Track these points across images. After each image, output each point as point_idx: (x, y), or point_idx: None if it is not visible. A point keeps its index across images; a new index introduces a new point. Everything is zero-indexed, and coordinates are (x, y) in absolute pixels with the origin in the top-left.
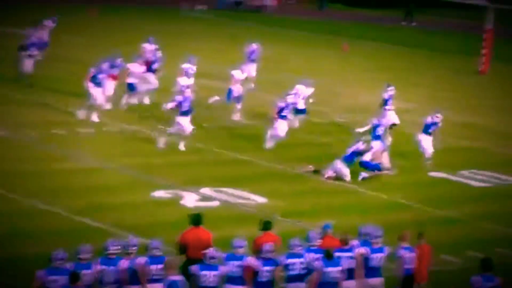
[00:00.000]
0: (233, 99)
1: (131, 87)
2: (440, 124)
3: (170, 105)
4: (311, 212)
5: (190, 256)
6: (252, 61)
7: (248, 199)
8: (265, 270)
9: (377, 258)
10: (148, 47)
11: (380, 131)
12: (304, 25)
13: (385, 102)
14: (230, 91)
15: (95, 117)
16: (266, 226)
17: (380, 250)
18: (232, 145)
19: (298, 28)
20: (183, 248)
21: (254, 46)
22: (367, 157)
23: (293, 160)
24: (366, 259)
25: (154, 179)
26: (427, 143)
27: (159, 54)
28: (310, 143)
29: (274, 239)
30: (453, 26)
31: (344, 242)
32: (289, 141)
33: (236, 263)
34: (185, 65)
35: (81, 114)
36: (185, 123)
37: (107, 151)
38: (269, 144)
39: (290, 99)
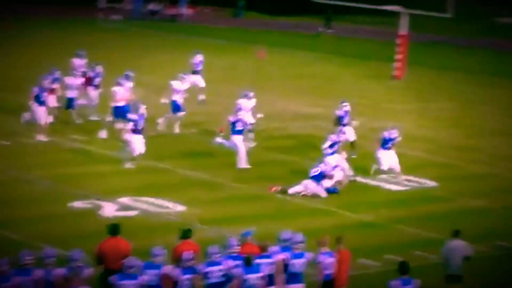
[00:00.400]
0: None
1: (69, 102)
2: (398, 139)
3: (129, 126)
4: (230, 219)
5: (109, 267)
6: (197, 72)
7: (167, 207)
8: (185, 279)
9: (298, 264)
10: (78, 62)
11: (335, 147)
12: (221, 33)
13: (340, 118)
14: (174, 103)
15: (41, 137)
16: (186, 234)
17: (300, 255)
18: (150, 154)
19: (214, 36)
20: (100, 258)
21: (200, 57)
22: (327, 183)
23: (211, 168)
24: (286, 265)
25: (72, 190)
26: (385, 158)
27: (99, 68)
28: (229, 151)
29: (193, 247)
30: (370, 32)
31: (264, 248)
32: (207, 149)
33: (154, 272)
34: (122, 80)
35: (25, 117)
36: (138, 142)
37: (24, 162)
38: (242, 165)
39: (241, 115)
